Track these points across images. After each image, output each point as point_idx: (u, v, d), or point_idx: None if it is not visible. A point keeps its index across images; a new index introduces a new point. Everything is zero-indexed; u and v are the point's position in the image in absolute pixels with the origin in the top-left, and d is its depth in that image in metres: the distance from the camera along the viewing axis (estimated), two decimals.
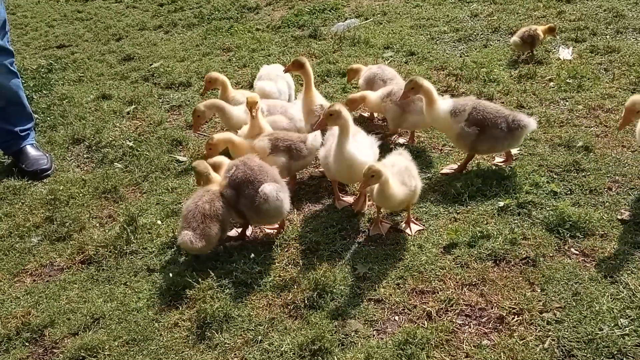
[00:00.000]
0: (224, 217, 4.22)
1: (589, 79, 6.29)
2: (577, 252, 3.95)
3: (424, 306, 3.65)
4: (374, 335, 3.50)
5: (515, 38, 6.97)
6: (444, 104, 4.82)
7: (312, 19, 9.85)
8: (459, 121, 4.71)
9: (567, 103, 5.91)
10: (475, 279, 3.81)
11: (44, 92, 8.11)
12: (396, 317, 3.62)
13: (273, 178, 4.25)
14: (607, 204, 4.36)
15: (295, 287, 3.93)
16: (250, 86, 7.44)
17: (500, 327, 3.46)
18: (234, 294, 3.92)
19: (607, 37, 7.32)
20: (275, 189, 4.14)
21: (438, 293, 3.74)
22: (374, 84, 5.85)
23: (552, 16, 8.28)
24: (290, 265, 4.16)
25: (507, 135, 4.65)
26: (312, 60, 7.98)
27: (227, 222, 4.31)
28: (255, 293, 3.93)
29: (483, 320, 3.53)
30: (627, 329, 3.28)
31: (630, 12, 7.99)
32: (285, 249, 4.34)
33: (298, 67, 5.25)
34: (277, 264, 4.19)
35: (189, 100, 7.24)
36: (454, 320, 3.53)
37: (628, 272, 3.71)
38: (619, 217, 4.19)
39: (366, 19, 9.59)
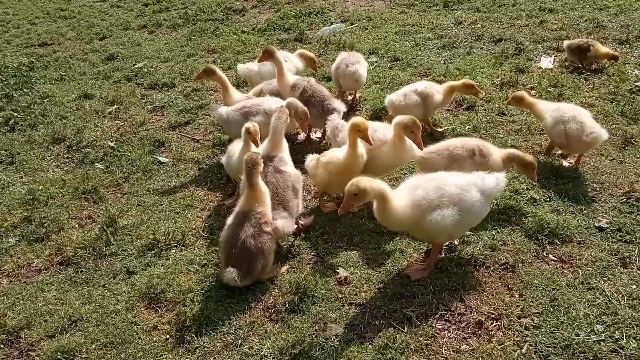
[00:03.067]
0: (270, 250, 3.91)
1: (569, 87, 6.39)
2: (555, 259, 4.01)
3: (405, 310, 3.67)
4: (354, 340, 3.51)
5: (566, 42, 6.98)
6: (291, 78, 5.70)
7: (298, 23, 9.86)
8: (295, 95, 5.43)
9: None
10: (455, 284, 3.84)
11: (25, 90, 7.99)
12: (376, 322, 3.63)
13: None
14: (585, 211, 4.43)
15: (276, 290, 3.92)
16: (237, 87, 7.42)
17: (479, 332, 3.49)
18: (214, 297, 3.90)
19: None
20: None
21: (418, 297, 3.76)
22: (339, 68, 6.30)
23: (534, 25, 8.40)
24: None
25: (322, 115, 5.33)
26: None
27: (272, 254, 3.95)
28: (236, 296, 3.91)
29: (462, 325, 3.55)
30: (602, 334, 3.34)
31: (611, 23, 8.14)
32: None
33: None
34: None
35: (172, 102, 7.19)
36: (433, 324, 3.55)
37: (604, 278, 3.77)
38: (597, 224, 4.26)
39: (352, 23, 9.63)
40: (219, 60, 8.45)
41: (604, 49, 6.75)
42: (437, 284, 3.85)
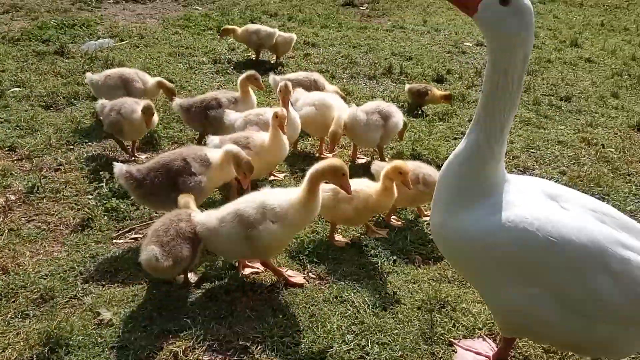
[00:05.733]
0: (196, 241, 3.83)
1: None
2: None
3: (171, 347, 3.56)
4: None
5: (408, 86, 7.22)
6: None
7: (59, 34, 9.02)
8: None
9: None
10: (224, 312, 3.86)
11: None
12: None
13: None
14: None
15: (21, 343, 3.45)
16: None
17: (245, 357, 3.56)
18: None
19: (344, 80, 8.37)
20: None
21: (187, 331, 3.68)
22: None
23: (299, 58, 9.10)
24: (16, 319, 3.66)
25: None
26: (58, 79, 7.29)
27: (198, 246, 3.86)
28: None
29: (229, 353, 3.57)
30: None
31: (362, 60, 9.29)
32: (12, 299, 3.80)
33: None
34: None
35: None
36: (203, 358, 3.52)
37: None
38: None
39: (122, 40, 9.18)
40: None
41: (438, 92, 7.09)
42: (205, 314, 3.82)
